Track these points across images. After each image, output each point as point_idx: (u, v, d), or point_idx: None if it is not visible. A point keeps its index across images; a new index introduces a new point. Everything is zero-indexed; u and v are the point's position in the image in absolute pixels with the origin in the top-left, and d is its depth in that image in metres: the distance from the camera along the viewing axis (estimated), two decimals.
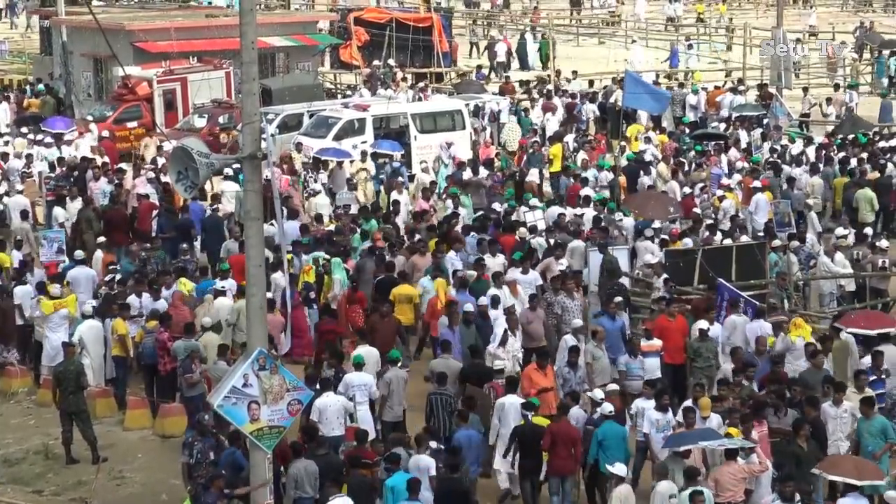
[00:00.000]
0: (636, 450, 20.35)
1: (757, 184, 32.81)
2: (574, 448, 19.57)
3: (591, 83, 48.49)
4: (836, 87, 48.72)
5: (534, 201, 31.16)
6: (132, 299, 24.85)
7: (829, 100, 46.15)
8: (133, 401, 23.76)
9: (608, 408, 19.73)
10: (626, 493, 18.44)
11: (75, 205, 31.30)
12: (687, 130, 40.52)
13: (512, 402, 20.45)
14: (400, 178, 33.81)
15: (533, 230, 28.91)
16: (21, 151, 36.49)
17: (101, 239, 28.43)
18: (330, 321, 24.92)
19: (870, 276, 28.03)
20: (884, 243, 28.92)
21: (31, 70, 54.62)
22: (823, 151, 37.13)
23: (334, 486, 17.94)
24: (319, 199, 31.97)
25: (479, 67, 57.31)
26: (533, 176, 34.90)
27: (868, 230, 30.58)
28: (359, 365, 21.59)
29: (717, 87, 46.18)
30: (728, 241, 28.16)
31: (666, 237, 28.56)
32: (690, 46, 59.36)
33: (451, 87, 50.38)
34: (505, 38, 62.18)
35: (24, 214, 31.43)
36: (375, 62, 51.58)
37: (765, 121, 41.28)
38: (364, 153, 35.46)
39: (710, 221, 30.25)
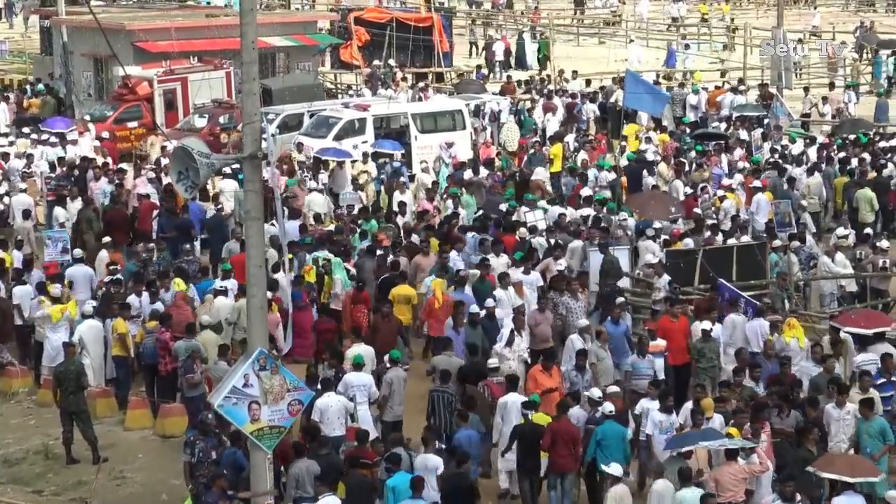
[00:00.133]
0: (639, 449, 20.34)
1: (757, 183, 32.82)
2: (574, 446, 19.58)
3: (588, 82, 48.39)
4: (832, 86, 48.69)
5: (542, 203, 31.10)
6: (132, 299, 24.85)
7: (825, 99, 46.17)
8: (133, 401, 23.76)
9: (609, 407, 19.73)
10: (622, 494, 18.44)
11: (75, 205, 31.29)
12: (687, 130, 40.51)
13: (514, 400, 20.48)
14: (402, 179, 33.78)
15: (533, 230, 28.90)
16: (22, 151, 36.46)
17: (107, 239, 28.40)
18: (328, 321, 24.91)
19: (870, 276, 28.03)
20: (884, 243, 28.91)
21: (31, 70, 54.62)
22: (824, 151, 37.13)
23: (324, 486, 17.93)
24: (314, 197, 31.91)
25: (479, 67, 57.32)
26: (539, 175, 34.88)
27: (868, 230, 30.58)
28: (358, 365, 21.60)
29: (717, 88, 46.17)
30: (733, 241, 28.15)
31: (668, 237, 28.55)
32: (687, 46, 59.31)
33: (451, 87, 50.39)
34: (504, 37, 62.16)
35: (26, 214, 31.46)
36: (376, 62, 51.58)
37: (765, 121, 41.27)
38: (365, 154, 35.46)
39: (711, 221, 30.24)
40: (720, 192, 32.54)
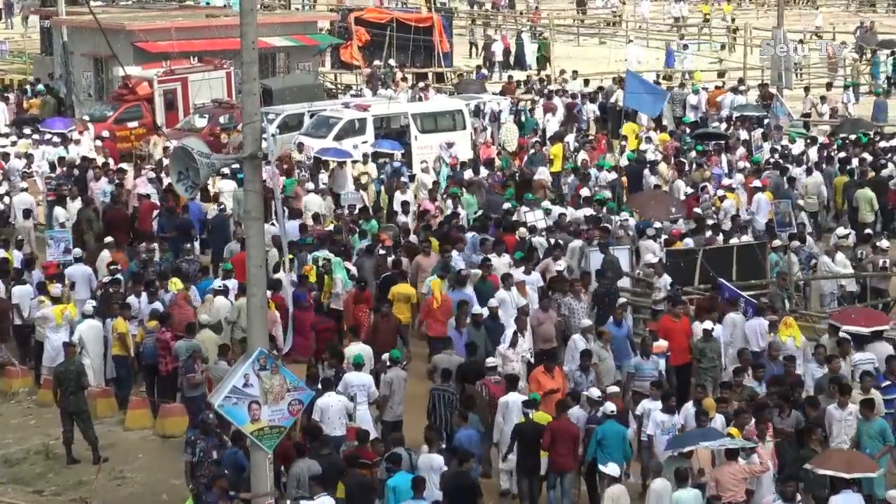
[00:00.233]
0: (640, 450, 20.35)
1: (757, 183, 32.84)
2: (573, 446, 19.58)
3: (586, 82, 48.30)
4: (829, 86, 48.68)
5: (545, 203, 31.08)
6: (131, 300, 24.84)
7: (823, 98, 46.20)
8: (134, 401, 23.75)
9: (610, 407, 19.73)
10: (619, 494, 18.45)
11: (75, 205, 31.29)
12: (688, 130, 40.51)
13: (514, 400, 20.49)
14: (403, 179, 33.76)
15: (532, 230, 28.91)
16: (23, 152, 36.45)
17: (109, 239, 28.39)
18: (327, 320, 24.90)
19: (870, 276, 28.04)
20: (884, 243, 28.92)
21: (32, 70, 54.63)
22: (825, 151, 37.14)
23: (319, 486, 17.93)
24: (311, 198, 31.90)
25: (479, 67, 57.34)
26: (542, 175, 34.87)
27: (868, 230, 30.59)
28: (358, 365, 21.61)
29: (717, 88, 46.18)
30: (738, 240, 28.16)
31: (668, 237, 28.54)
32: (686, 46, 59.33)
33: (451, 87, 50.39)
34: (504, 37, 62.15)
35: (27, 213, 31.47)
36: (376, 62, 51.58)
37: (765, 121, 41.28)
38: (366, 155, 35.46)
39: (712, 221, 30.24)
40: (720, 192, 32.55)
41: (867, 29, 61.62)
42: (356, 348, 22.43)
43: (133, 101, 41.76)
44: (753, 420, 19.47)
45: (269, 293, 22.99)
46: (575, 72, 50.82)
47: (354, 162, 35.17)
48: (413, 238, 28.84)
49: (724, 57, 60.19)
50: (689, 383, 22.84)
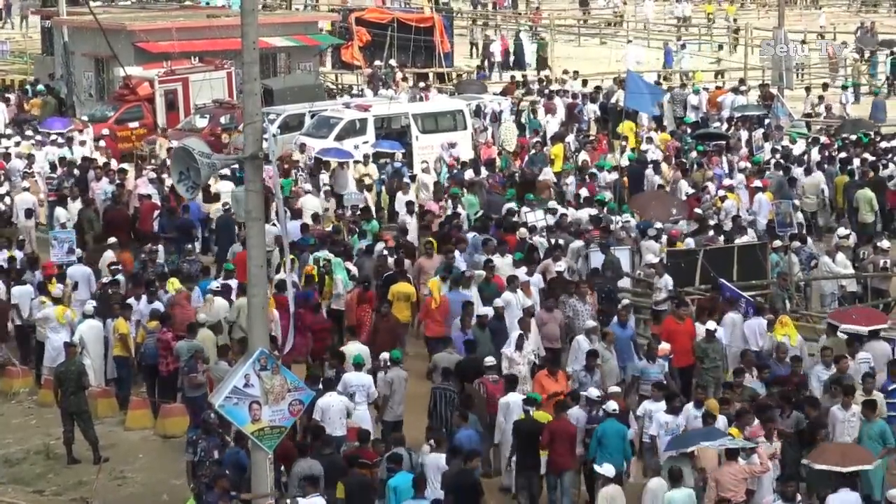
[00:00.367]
0: (642, 451, 20.33)
1: (758, 183, 32.84)
2: (571, 445, 19.59)
3: (584, 83, 48.22)
4: (825, 86, 48.65)
5: (552, 203, 31.03)
6: (131, 301, 24.81)
7: (820, 98, 46.23)
8: (134, 401, 23.76)
9: (612, 406, 19.74)
10: (614, 494, 18.46)
11: (76, 205, 31.29)
12: (689, 130, 40.51)
13: (515, 400, 20.51)
14: (405, 180, 33.77)
15: (533, 230, 28.90)
16: (25, 152, 36.45)
17: (112, 240, 28.39)
18: (322, 319, 24.86)
19: (871, 276, 28.04)
20: (885, 243, 28.92)
21: (32, 70, 54.65)
22: (826, 151, 37.14)
23: (310, 486, 17.93)
24: (308, 199, 31.90)
25: (479, 68, 57.34)
26: (546, 175, 34.87)
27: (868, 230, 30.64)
28: (358, 365, 21.61)
29: (718, 88, 46.19)
30: (743, 239, 28.15)
31: (676, 238, 28.53)
32: (684, 46, 59.34)
33: (452, 87, 50.39)
34: (503, 37, 62.14)
35: (28, 213, 31.48)
36: (377, 62, 51.59)
37: (766, 121, 41.29)
38: (366, 156, 35.45)
39: (713, 222, 30.24)
40: (721, 193, 32.54)
41: (868, 30, 61.62)
42: (354, 348, 22.45)
43: (134, 102, 41.80)
44: (757, 421, 19.46)
45: (275, 292, 23.14)
46: (576, 72, 50.84)
47: (356, 162, 35.18)
48: (411, 236, 28.85)
49: (726, 57, 60.18)
50: (692, 385, 22.83)
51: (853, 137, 38.92)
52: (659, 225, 29.18)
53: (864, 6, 76.79)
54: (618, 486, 18.55)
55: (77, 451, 22.29)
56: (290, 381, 16.95)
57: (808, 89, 48.02)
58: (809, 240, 29.86)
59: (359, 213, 30.75)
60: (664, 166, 35.19)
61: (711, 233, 28.97)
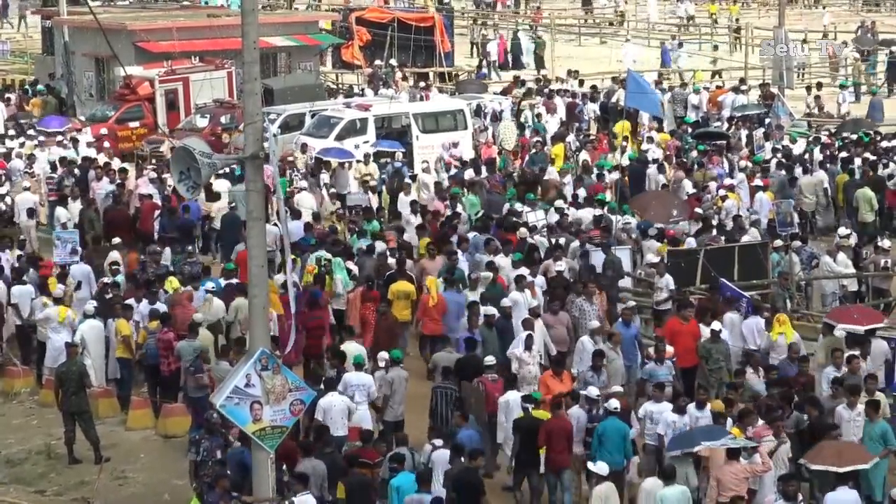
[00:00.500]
0: (645, 452, 20.32)
1: (758, 182, 32.83)
2: (568, 442, 19.61)
3: (581, 83, 48.16)
4: (819, 85, 48.59)
5: (559, 203, 31.00)
6: (131, 302, 24.81)
7: (817, 98, 46.22)
8: (135, 401, 23.76)
9: (614, 404, 19.74)
10: (608, 492, 18.48)
11: (77, 205, 31.28)
12: (689, 130, 40.50)
13: (514, 398, 20.55)
14: (407, 181, 33.78)
15: (533, 230, 28.89)
16: (27, 152, 36.42)
17: (116, 240, 28.37)
18: (317, 317, 24.81)
19: (872, 275, 28.03)
20: (886, 243, 28.91)
21: (33, 70, 54.65)
22: (827, 151, 37.14)
23: (300, 485, 17.93)
24: (303, 196, 31.92)
25: (480, 67, 57.32)
26: (552, 174, 34.85)
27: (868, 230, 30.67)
28: (359, 365, 21.61)
29: (718, 87, 46.18)
30: (746, 238, 28.13)
31: (677, 238, 28.52)
32: (681, 45, 59.33)
33: (452, 87, 50.38)
34: (502, 37, 62.12)
35: (30, 212, 31.47)
36: (377, 62, 51.57)
37: (767, 120, 41.28)
38: (367, 156, 35.44)
39: (715, 222, 30.23)
40: (721, 192, 32.54)
41: (868, 29, 61.59)
42: (351, 347, 22.44)
43: (134, 101, 41.79)
44: (761, 421, 19.45)
45: (281, 292, 23.13)
46: (576, 71, 50.78)
47: (357, 162, 35.18)
48: (409, 235, 28.86)
49: (726, 57, 60.14)
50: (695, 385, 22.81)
51: (854, 137, 38.91)
52: (660, 225, 29.18)
53: (866, 5, 76.71)
54: (611, 485, 18.57)
55: (78, 451, 22.29)
56: (292, 381, 16.94)
57: (808, 88, 48.01)
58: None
59: (360, 213, 30.75)
60: (667, 166, 35.18)
61: (714, 232, 28.96)
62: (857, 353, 21.55)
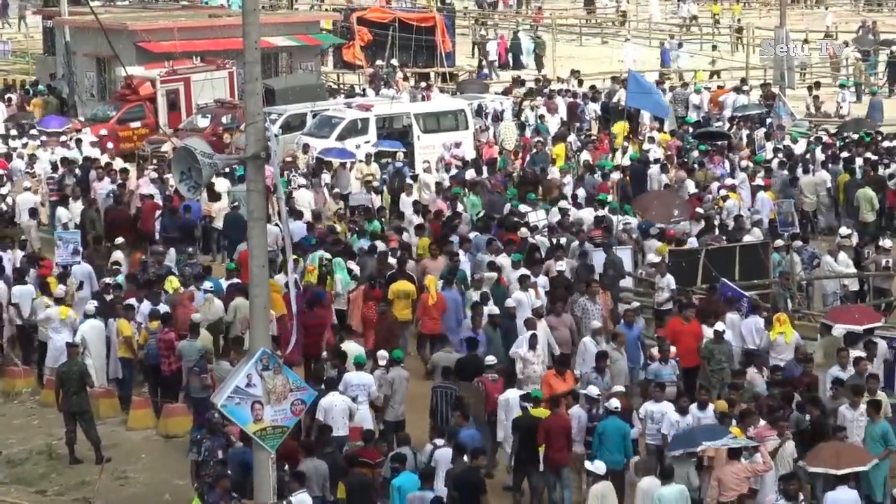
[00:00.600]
0: (647, 453, 20.32)
1: (759, 182, 32.83)
2: (567, 440, 19.62)
3: (580, 83, 48.14)
4: (817, 85, 48.59)
5: (563, 203, 30.98)
6: (133, 302, 24.79)
7: (816, 98, 46.20)
8: (136, 401, 23.75)
9: (614, 403, 19.74)
10: (605, 491, 18.48)
11: (78, 205, 31.27)
12: (690, 130, 40.50)
13: (514, 396, 20.58)
14: (408, 181, 33.78)
15: (534, 229, 28.89)
16: (28, 153, 36.42)
17: (120, 240, 28.36)
18: (316, 316, 24.81)
19: (873, 275, 28.02)
20: (887, 243, 28.90)
21: (34, 70, 54.66)
22: (828, 150, 37.14)
23: (296, 483, 17.93)
24: (301, 193, 31.90)
25: (480, 67, 57.31)
26: (554, 174, 34.86)
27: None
28: (360, 365, 21.62)
29: (720, 87, 46.17)
30: (749, 238, 28.11)
31: (678, 238, 28.50)
32: (680, 45, 59.32)
33: (454, 87, 50.39)
34: (502, 37, 62.12)
35: (32, 212, 31.46)
36: (378, 62, 51.56)
37: (768, 120, 41.28)
38: (368, 156, 35.44)
39: (716, 221, 30.22)
40: (722, 192, 32.53)
41: (868, 29, 61.60)
42: (351, 347, 22.44)
43: (136, 102, 41.81)
44: (763, 421, 19.45)
45: (285, 292, 23.14)
46: (577, 71, 50.79)
47: (358, 161, 35.18)
48: (408, 235, 28.85)
49: (727, 57, 60.16)
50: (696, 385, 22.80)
51: (855, 136, 38.90)
52: (661, 225, 29.17)
53: (868, 5, 76.71)
54: (609, 484, 18.57)
55: (79, 451, 22.28)
56: (293, 381, 16.95)
57: (809, 88, 48.01)
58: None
59: (361, 213, 30.75)
60: (669, 166, 35.16)
61: (717, 232, 28.95)
62: (863, 354, 21.53)
